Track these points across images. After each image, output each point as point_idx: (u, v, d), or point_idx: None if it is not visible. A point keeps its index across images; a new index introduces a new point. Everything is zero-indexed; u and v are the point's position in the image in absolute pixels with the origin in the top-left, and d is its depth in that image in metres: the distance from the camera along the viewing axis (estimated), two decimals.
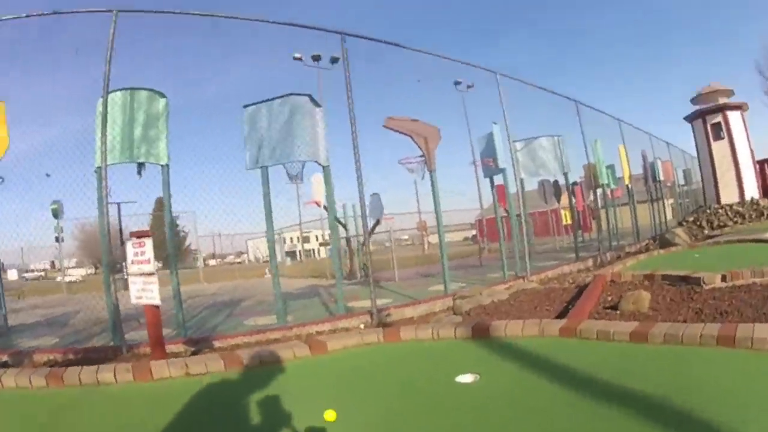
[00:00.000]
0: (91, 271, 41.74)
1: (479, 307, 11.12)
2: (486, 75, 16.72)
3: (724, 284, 9.93)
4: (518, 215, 17.51)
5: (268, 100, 11.63)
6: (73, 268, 40.24)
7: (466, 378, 5.70)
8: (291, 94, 11.65)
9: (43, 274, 45.11)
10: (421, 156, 14.66)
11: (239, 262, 50.87)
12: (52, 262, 44.16)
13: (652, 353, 6.05)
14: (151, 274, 8.18)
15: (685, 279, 10.69)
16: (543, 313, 9.88)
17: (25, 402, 6.34)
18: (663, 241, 22.28)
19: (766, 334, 5.64)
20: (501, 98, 16.42)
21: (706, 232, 26.58)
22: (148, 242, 8.33)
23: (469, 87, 17.55)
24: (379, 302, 12.45)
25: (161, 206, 34.48)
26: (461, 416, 4.70)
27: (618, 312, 8.97)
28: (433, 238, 36.29)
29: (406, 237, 49.83)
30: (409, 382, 5.91)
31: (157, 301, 8.13)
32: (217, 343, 9.92)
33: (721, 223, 28.07)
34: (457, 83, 17.32)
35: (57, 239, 23.69)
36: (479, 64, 16.70)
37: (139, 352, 9.23)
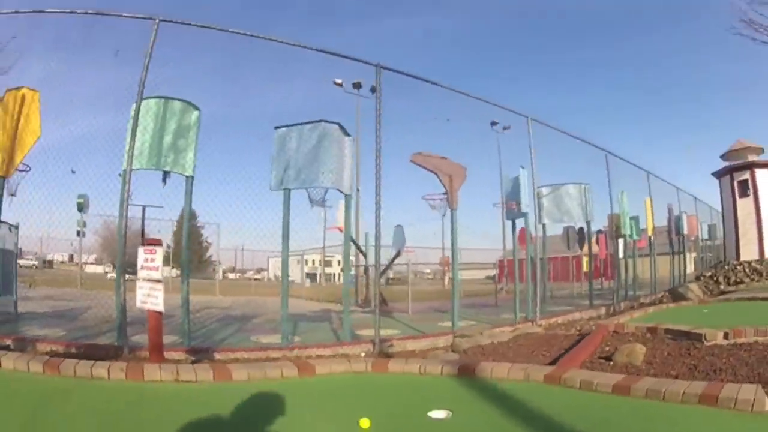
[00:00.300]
0: (109, 269, 42.33)
1: (477, 347, 11.23)
2: (517, 119, 16.86)
3: (725, 341, 9.99)
4: (533, 260, 17.53)
5: (299, 123, 11.80)
6: (90, 264, 40.83)
7: (438, 414, 5.87)
8: (322, 121, 11.79)
9: (36, 263, 45.29)
10: (444, 193, 14.81)
11: (258, 279, 51.04)
12: (71, 256, 44.88)
13: (632, 407, 6.07)
14: (158, 281, 8.47)
15: (687, 334, 10.71)
16: (538, 359, 9.89)
17: (18, 384, 6.66)
18: (675, 294, 22.32)
19: (750, 395, 5.65)
20: (530, 143, 16.52)
21: (722, 287, 26.32)
22: (159, 250, 8.67)
23: (505, 128, 17.61)
24: (388, 333, 12.78)
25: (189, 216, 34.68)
26: None
27: (611, 363, 8.86)
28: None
29: (428, 271, 49.96)
30: (383, 412, 6.06)
31: (160, 308, 8.41)
32: (217, 356, 10.07)
33: (738, 280, 27.57)
34: (493, 123, 17.37)
35: (78, 233, 23.79)
36: (512, 107, 16.71)
37: (140, 355, 9.38)
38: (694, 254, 36.87)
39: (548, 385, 7.31)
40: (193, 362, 9.10)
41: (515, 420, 5.73)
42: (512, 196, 16.96)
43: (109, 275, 37.79)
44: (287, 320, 11.80)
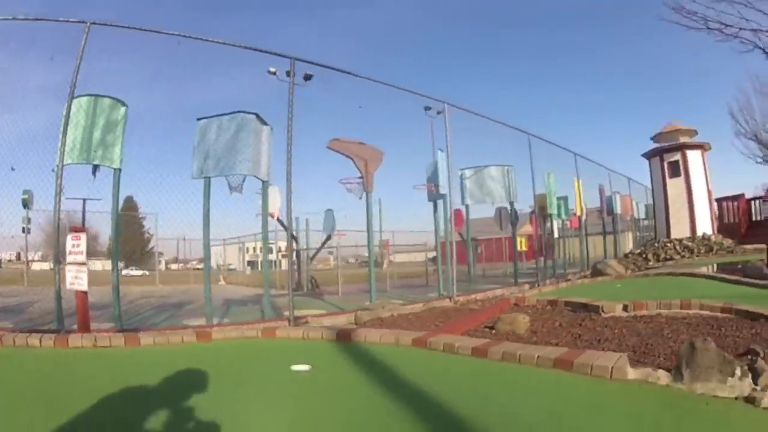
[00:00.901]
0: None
1: (377, 319, 11.79)
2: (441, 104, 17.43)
3: (625, 314, 10.24)
4: (452, 242, 18.12)
5: (219, 115, 12.41)
6: (37, 261, 40.88)
7: (300, 367, 6.82)
8: (239, 112, 12.38)
9: None
10: (360, 177, 15.48)
11: (200, 269, 50.59)
12: (18, 254, 44.83)
13: (484, 367, 6.57)
14: (82, 263, 9.45)
15: (585, 306, 11.08)
16: (430, 327, 10.34)
17: None
18: (595, 271, 22.76)
19: (610, 363, 5.81)
20: (446, 127, 17.12)
21: (650, 263, 27.04)
22: (83, 236, 9.66)
23: (439, 113, 18.23)
24: (312, 312, 13.55)
25: (130, 206, 34.30)
26: (276, 391, 5.87)
27: (494, 332, 9.24)
28: (396, 257, 36.79)
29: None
30: (256, 365, 7.35)
31: (85, 288, 9.45)
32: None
33: (668, 256, 28.40)
34: (427, 108, 17.95)
35: (23, 230, 23.55)
36: (429, 94, 17.29)
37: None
38: (629, 234, 37.59)
39: (415, 348, 7.94)
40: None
41: (364, 372, 6.65)
42: (432, 178, 17.54)
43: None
44: (210, 303, 12.57)
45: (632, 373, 5.64)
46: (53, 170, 10.92)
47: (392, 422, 4.65)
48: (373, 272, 16.02)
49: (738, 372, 5.00)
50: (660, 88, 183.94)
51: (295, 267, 26.09)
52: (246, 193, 12.96)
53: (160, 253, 44.98)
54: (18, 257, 46.55)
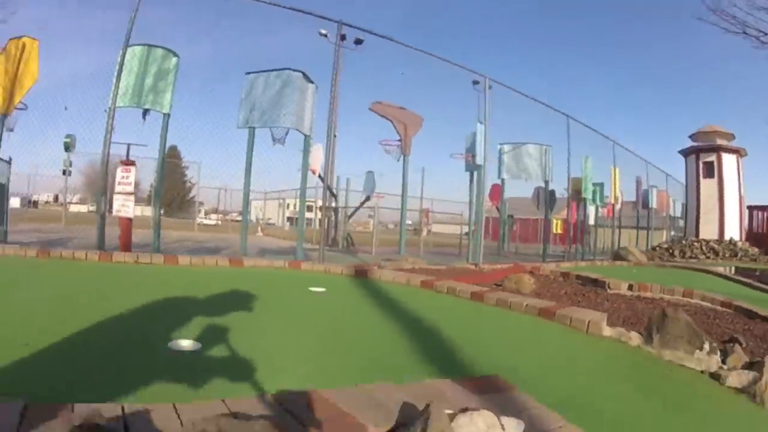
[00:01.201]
0: (93, 208, 42.78)
1: (399, 268, 11.99)
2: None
3: (629, 293, 10.78)
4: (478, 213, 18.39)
5: (267, 70, 13.06)
6: (75, 203, 41.52)
7: (317, 289, 7.97)
8: (287, 69, 13.01)
9: None
10: (398, 140, 16.12)
11: (238, 221, 50.42)
12: (56, 196, 45.89)
13: (476, 307, 7.40)
14: (130, 193, 10.54)
15: (594, 281, 11.68)
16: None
17: (18, 260, 9.33)
18: (616, 255, 23.09)
19: (586, 317, 6.30)
20: (486, 101, 17.24)
21: (675, 259, 27.03)
22: (133, 169, 10.74)
23: (489, 88, 18.53)
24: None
25: (173, 155, 34.83)
26: (293, 301, 7.10)
27: (500, 288, 9.78)
28: (435, 227, 37.18)
29: (410, 222, 50.38)
30: (281, 286, 8.37)
31: (130, 215, 10.70)
32: None
33: (693, 255, 28.42)
34: (475, 83, 18.20)
35: (64, 172, 23.87)
36: (473, 68, 17.50)
37: None
38: (664, 231, 37.36)
39: (422, 289, 8.77)
40: None
41: (371, 298, 7.71)
42: (471, 149, 17.93)
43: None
44: (245, 249, 13.34)
45: (607, 330, 6.04)
46: (105, 111, 11.73)
47: (382, 328, 5.79)
48: (405, 232, 16.72)
49: (707, 347, 5.21)
50: (694, 85, 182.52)
51: (333, 223, 26.76)
52: (288, 147, 13.57)
53: (201, 203, 45.68)
54: (56, 199, 47.52)
